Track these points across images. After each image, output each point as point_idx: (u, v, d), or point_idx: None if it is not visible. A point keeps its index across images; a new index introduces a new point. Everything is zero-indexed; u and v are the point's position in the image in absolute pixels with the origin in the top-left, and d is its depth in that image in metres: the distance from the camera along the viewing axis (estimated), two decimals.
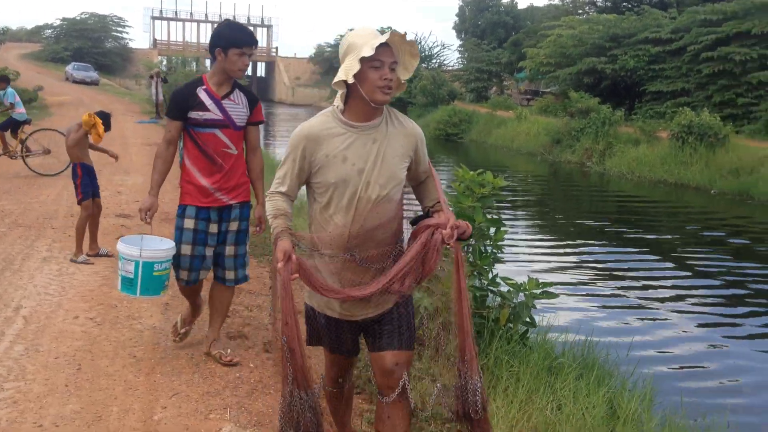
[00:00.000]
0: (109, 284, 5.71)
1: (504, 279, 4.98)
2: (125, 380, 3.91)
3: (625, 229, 13.38)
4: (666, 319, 7.86)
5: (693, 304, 8.57)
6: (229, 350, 4.27)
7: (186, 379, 3.95)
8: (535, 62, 34.34)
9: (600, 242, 12.10)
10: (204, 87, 3.95)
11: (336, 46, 74.54)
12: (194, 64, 47.54)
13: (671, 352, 6.89)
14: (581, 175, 21.61)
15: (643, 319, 7.80)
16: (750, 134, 22.29)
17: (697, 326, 7.70)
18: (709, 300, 8.76)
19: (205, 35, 71.03)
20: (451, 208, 2.87)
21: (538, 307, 4.96)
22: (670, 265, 10.56)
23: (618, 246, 11.84)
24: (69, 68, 45.00)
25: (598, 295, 8.59)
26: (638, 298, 8.61)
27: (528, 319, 4.96)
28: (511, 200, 15.78)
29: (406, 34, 2.63)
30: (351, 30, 2.75)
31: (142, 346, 4.44)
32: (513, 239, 10.34)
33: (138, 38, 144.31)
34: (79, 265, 6.22)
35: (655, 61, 28.35)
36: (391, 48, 2.62)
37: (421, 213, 2.89)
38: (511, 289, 4.88)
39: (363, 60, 2.56)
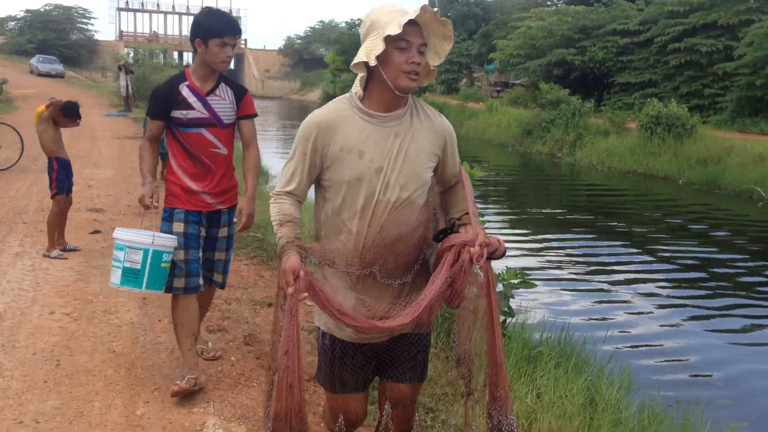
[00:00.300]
0: (84, 279, 5.64)
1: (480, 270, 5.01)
2: (105, 375, 3.87)
3: (596, 219, 13.54)
4: (638, 307, 7.97)
5: (664, 291, 8.71)
6: (210, 344, 4.22)
7: (167, 374, 3.92)
8: (505, 54, 34.53)
9: (572, 232, 12.23)
10: (187, 83, 3.63)
11: (305, 38, 74.24)
12: (161, 56, 47.01)
13: (646, 340, 6.99)
14: (552, 166, 21.79)
15: (616, 308, 7.91)
16: (716, 124, 22.66)
17: (669, 314, 7.82)
18: (679, 287, 8.91)
19: (173, 27, 70.32)
20: (481, 221, 2.46)
21: (515, 297, 5.00)
22: (641, 254, 10.71)
23: (590, 236, 11.98)
24: (34, 61, 44.26)
25: (571, 284, 8.68)
26: (611, 286, 8.72)
27: (506, 309, 5.00)
28: (483, 191, 15.87)
29: (437, 11, 2.28)
30: (375, 6, 2.38)
31: (120, 341, 4.40)
32: (487, 230, 10.39)
33: (104, 30, 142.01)
34: (52, 260, 6.13)
35: (624, 53, 28.66)
36: (420, 28, 2.29)
37: (445, 227, 2.52)
38: None
39: (388, 39, 2.23)
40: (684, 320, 7.67)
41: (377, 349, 2.53)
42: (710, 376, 6.18)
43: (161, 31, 73.11)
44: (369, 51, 2.25)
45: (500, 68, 39.13)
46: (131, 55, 44.57)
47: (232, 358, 4.21)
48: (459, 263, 2.26)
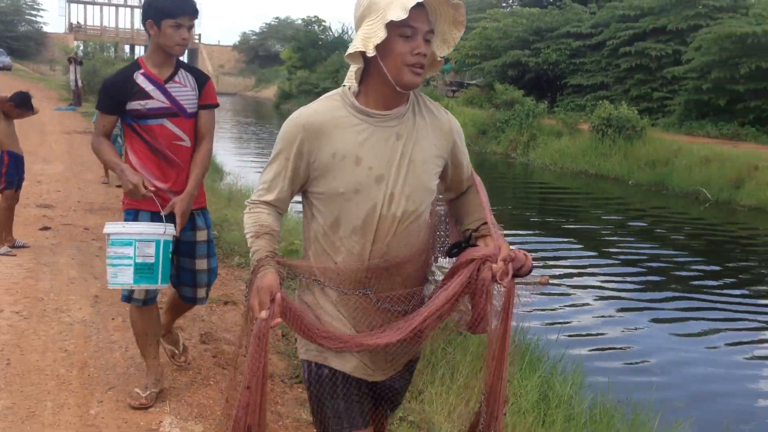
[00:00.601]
0: (34, 276, 5.52)
1: (439, 268, 5.06)
2: (57, 375, 3.80)
3: (548, 219, 13.77)
4: (589, 304, 8.15)
5: (611, 286, 8.93)
6: (182, 344, 3.99)
7: (121, 373, 3.87)
8: (460, 54, 34.76)
9: (525, 231, 12.40)
10: (141, 71, 3.32)
11: (261, 34, 73.63)
12: (112, 49, 46.11)
13: (595, 333, 7.18)
14: (506, 166, 22.05)
15: (568, 305, 8.06)
16: (665, 127, 23.20)
17: (618, 310, 8.03)
18: (625, 283, 9.14)
19: (124, 20, 69.01)
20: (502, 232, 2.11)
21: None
22: (590, 251, 10.95)
23: (542, 234, 12.18)
24: None
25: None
26: (563, 284, 8.89)
27: (462, 308, 5.06)
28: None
29: None
30: None
31: (72, 339, 4.32)
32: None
33: (53, 22, 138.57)
34: (0, 257, 5.98)
35: (576, 55, 29.14)
36: (427, 11, 1.95)
37: (458, 240, 2.20)
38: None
39: (390, 25, 1.88)
40: (629, 313, 7.94)
41: (378, 387, 2.18)
42: (650, 362, 6.43)
43: (112, 24, 71.70)
44: (366, 39, 1.90)
45: (456, 68, 39.37)
46: (81, 48, 43.62)
47: (189, 357, 4.17)
48: (479, 282, 1.95)
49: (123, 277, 3.16)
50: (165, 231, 3.19)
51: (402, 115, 2.02)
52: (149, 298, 3.43)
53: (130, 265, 3.15)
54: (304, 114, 2.01)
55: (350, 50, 1.94)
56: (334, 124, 1.98)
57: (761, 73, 21.27)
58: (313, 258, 2.06)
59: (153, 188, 3.25)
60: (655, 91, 25.41)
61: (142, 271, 3.16)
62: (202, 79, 3.45)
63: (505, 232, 2.10)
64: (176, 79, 3.37)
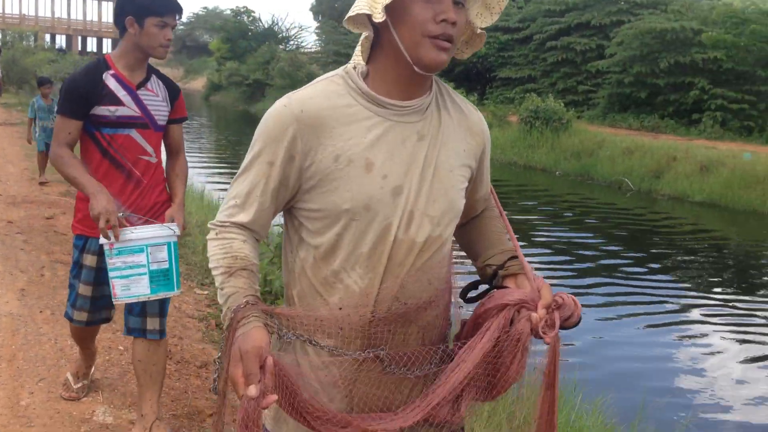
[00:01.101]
0: None
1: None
2: None
3: None
4: None
5: (539, 273, 9.22)
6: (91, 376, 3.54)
7: (52, 365, 3.82)
8: None
9: None
10: (112, 71, 2.89)
11: (188, 24, 72.18)
12: (32, 38, 44.52)
13: None
14: None
15: None
16: (589, 119, 23.95)
17: None
18: (557, 272, 9.46)
19: (44, 8, 66.62)
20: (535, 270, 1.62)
21: None
22: (520, 242, 11.23)
23: None
24: None
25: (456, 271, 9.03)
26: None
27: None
28: None
29: None
30: None
31: (0, 333, 4.23)
32: None
33: None
34: None
35: (505, 49, 29.72)
36: None
37: (478, 279, 1.68)
38: None
39: None
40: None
41: None
42: (574, 344, 6.68)
43: (32, 13, 69.08)
44: None
45: None
46: None
47: (120, 348, 4.14)
48: (512, 335, 1.47)
49: (137, 288, 2.82)
50: (174, 232, 2.88)
51: (424, 109, 1.53)
52: (93, 321, 3.15)
53: (144, 274, 2.82)
54: (296, 100, 1.48)
55: (351, 12, 1.45)
56: (336, 116, 1.47)
57: (679, 67, 22.19)
58: (298, 299, 1.56)
59: (126, 215, 2.88)
60: (580, 84, 26.19)
61: (158, 278, 2.85)
62: (174, 90, 3.10)
63: None
64: (148, 86, 2.97)
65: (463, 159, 1.59)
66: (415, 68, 1.44)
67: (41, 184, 9.53)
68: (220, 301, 1.49)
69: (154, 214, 3.00)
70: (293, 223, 1.56)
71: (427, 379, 1.56)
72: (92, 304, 3.07)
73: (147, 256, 2.81)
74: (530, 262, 1.61)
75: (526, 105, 21.19)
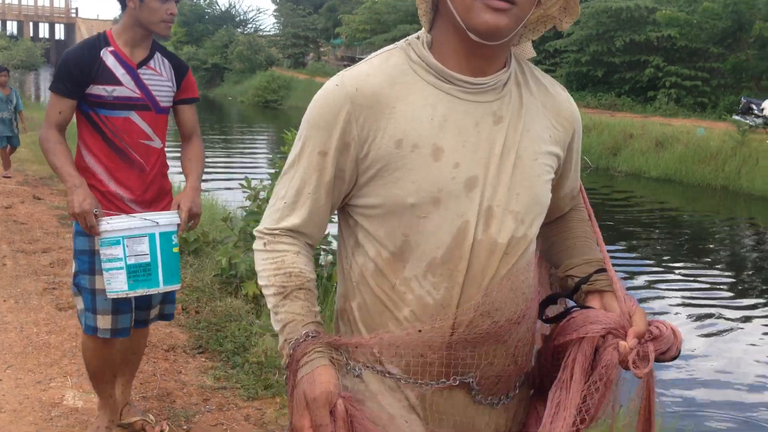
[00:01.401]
0: None
1: (335, 237, 5.22)
2: None
3: None
4: None
5: None
6: (151, 416, 3.17)
7: (19, 352, 3.83)
8: (350, 28, 34.88)
9: None
10: (111, 48, 2.66)
11: None
12: None
13: None
14: None
15: None
16: None
17: None
18: None
19: None
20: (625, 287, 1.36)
21: None
22: None
23: None
24: None
25: None
26: None
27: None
28: None
29: None
30: None
31: None
32: None
33: None
34: None
35: None
36: None
37: (553, 293, 1.49)
38: None
39: None
40: None
41: None
42: None
43: None
44: None
45: (347, 43, 39.47)
46: None
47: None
48: (602, 363, 1.25)
49: (116, 284, 2.56)
50: (160, 222, 2.59)
51: (501, 87, 1.31)
52: (119, 329, 2.70)
53: (121, 268, 2.55)
54: (349, 78, 1.29)
55: None
56: (396, 94, 1.27)
57: (635, 45, 22.55)
58: (358, 312, 1.34)
59: (102, 212, 2.57)
60: (539, 63, 26.38)
61: (138, 273, 2.55)
62: (181, 69, 2.85)
63: None
64: (151, 64, 2.74)
65: (549, 146, 1.35)
66: (469, 34, 1.22)
67: (4, 177, 9.39)
68: (275, 327, 1.31)
69: (164, 205, 2.80)
70: (348, 223, 1.36)
71: (507, 409, 1.39)
72: (115, 301, 2.62)
73: (123, 248, 2.53)
74: None
75: None
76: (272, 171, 6.43)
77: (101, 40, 2.69)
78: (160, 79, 2.74)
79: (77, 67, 2.61)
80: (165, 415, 3.23)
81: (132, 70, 2.67)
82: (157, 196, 2.79)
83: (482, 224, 1.27)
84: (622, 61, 22.90)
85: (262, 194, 5.09)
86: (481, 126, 1.28)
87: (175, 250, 2.64)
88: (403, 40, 1.35)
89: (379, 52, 1.34)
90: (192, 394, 3.52)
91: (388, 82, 1.27)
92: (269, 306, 1.32)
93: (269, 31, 49.84)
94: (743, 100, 18.37)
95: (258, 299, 4.72)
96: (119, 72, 2.64)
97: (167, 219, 2.61)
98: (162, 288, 2.61)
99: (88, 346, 2.77)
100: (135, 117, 2.69)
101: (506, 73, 1.31)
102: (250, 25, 49.33)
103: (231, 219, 5.11)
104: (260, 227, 1.37)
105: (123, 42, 2.67)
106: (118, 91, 2.64)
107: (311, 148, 1.30)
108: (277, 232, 1.33)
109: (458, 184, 1.25)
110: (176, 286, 2.70)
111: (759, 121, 16.79)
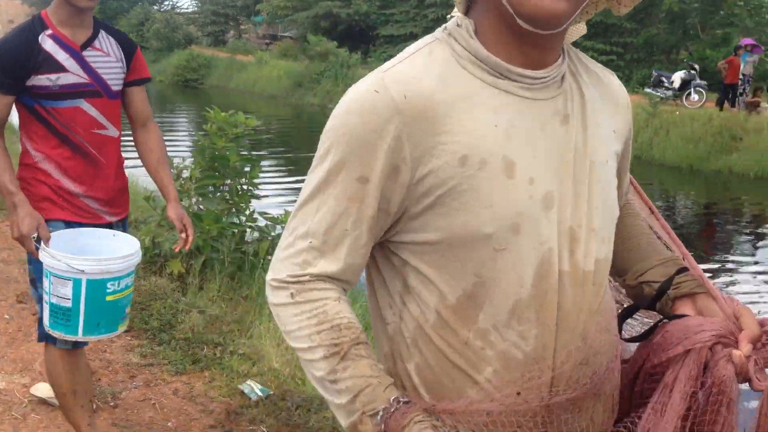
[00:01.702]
0: None
1: (261, 214, 5.24)
2: None
3: None
4: None
5: None
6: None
7: None
8: (271, 5, 34.39)
9: None
10: (49, 32, 2.36)
11: None
12: None
13: None
14: (323, 117, 22.02)
15: None
16: None
17: None
18: None
19: None
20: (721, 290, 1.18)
21: None
22: None
23: None
24: None
25: None
26: None
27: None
28: (257, 139, 16.06)
29: None
30: None
31: None
32: (263, 177, 10.77)
33: None
34: None
35: (386, 6, 29.89)
36: None
37: (632, 303, 1.27)
38: (269, 222, 5.15)
39: None
40: None
41: None
42: None
43: None
44: None
45: (268, 20, 38.91)
46: None
47: (6, 317, 4.08)
48: (711, 384, 1.03)
49: (44, 317, 2.33)
50: (85, 269, 2.20)
51: (560, 79, 1.09)
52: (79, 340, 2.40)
53: (47, 303, 2.29)
54: (393, 82, 1.02)
55: None
56: (451, 99, 1.03)
57: None
58: (418, 376, 1.09)
59: (47, 243, 2.26)
60: None
61: (57, 315, 2.26)
62: (128, 47, 2.56)
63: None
64: (96, 44, 2.45)
65: (615, 144, 1.16)
66: (518, 21, 0.99)
67: None
68: (338, 400, 1.03)
69: (121, 204, 2.61)
70: (391, 263, 1.09)
71: None
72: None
73: (49, 284, 2.25)
74: None
75: None
76: (194, 149, 6.35)
77: (37, 24, 2.39)
78: (108, 60, 2.47)
79: (12, 59, 2.32)
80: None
81: (76, 53, 2.39)
82: (116, 195, 2.58)
83: (566, 250, 1.05)
84: None
85: (185, 173, 5.07)
86: (548, 129, 1.06)
87: (110, 299, 2.28)
88: (440, 28, 1.10)
89: (415, 46, 1.09)
90: (118, 372, 3.52)
91: (441, 84, 1.02)
92: (318, 374, 1.05)
93: (187, 9, 48.67)
94: (654, 73, 19.12)
95: (183, 278, 4.70)
96: (61, 57, 2.36)
97: (102, 267, 2.24)
98: (80, 337, 2.29)
99: (51, 358, 2.52)
100: (85, 105, 2.42)
101: (564, 63, 1.10)
102: (167, 3, 48.00)
103: (153, 198, 5.06)
104: (278, 275, 1.08)
105: (58, 22, 2.38)
106: (63, 78, 2.36)
107: (347, 172, 1.02)
108: (305, 278, 1.06)
109: (536, 204, 1.03)
110: (101, 337, 2.39)
111: (669, 93, 17.53)
